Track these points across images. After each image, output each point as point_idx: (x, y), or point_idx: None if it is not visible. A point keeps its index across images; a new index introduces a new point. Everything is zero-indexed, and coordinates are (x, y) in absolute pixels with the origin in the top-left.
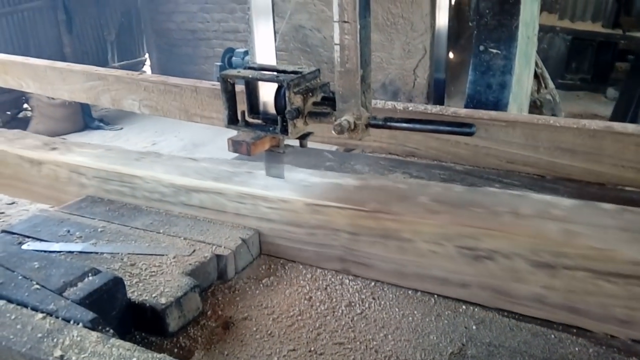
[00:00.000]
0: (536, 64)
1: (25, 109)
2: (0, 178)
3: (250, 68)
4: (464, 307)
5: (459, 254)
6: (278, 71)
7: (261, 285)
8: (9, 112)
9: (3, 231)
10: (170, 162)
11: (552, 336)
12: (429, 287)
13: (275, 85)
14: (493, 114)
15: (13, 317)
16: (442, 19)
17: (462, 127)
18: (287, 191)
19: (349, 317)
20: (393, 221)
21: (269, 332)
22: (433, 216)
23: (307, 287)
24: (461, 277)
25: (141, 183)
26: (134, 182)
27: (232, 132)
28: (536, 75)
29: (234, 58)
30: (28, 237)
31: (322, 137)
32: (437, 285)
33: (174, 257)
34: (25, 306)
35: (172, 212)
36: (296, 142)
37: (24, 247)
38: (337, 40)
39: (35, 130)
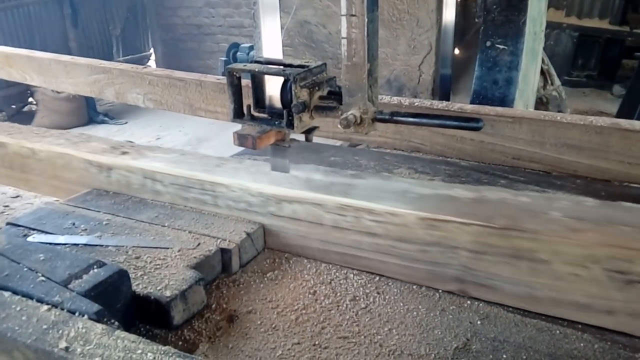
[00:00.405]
0: (542, 61)
1: (30, 103)
2: (63, 183)
3: (256, 62)
4: (468, 302)
5: (608, 277)
6: (284, 65)
7: (265, 279)
8: (14, 106)
9: (8, 223)
10: (255, 168)
11: (557, 332)
12: (565, 313)
13: (281, 79)
14: (499, 109)
15: (18, 308)
16: (449, 15)
17: (469, 122)
18: (396, 203)
19: (353, 312)
20: (527, 240)
21: (274, 325)
22: (577, 235)
23: (312, 281)
24: (608, 303)
25: (225, 191)
26: (218, 190)
27: (237, 127)
28: (542, 72)
29: (239, 53)
30: (33, 229)
31: (326, 132)
32: (576, 311)
33: (179, 251)
34: (31, 298)
35: (255, 222)
36: (302, 137)
37: (30, 239)
38: (344, 33)
39: (40, 124)
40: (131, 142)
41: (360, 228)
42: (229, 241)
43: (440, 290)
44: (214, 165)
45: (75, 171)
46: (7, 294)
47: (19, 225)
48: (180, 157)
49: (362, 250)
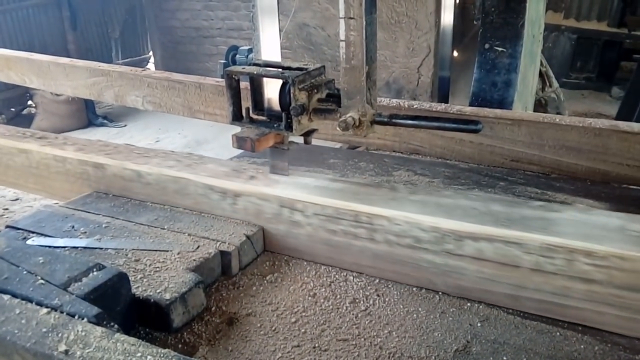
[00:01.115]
0: (541, 63)
1: (30, 106)
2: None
3: (255, 64)
4: (468, 304)
5: None
6: (283, 68)
7: (265, 281)
8: (13, 109)
9: (8, 226)
10: (418, 197)
11: (558, 334)
12: None
13: (279, 82)
14: (498, 112)
15: (18, 311)
16: (447, 18)
17: (468, 125)
18: (621, 244)
19: (353, 314)
20: None
21: (273, 328)
22: None
23: (312, 284)
24: None
25: (387, 225)
26: (376, 222)
27: (236, 129)
28: (541, 74)
29: (237, 56)
30: (33, 232)
31: (325, 135)
32: None
33: (178, 253)
34: (30, 301)
35: (422, 260)
36: (300, 139)
37: (29, 242)
38: (342, 36)
39: (39, 127)
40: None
41: (572, 273)
42: (228, 244)
43: (439, 293)
44: (369, 193)
45: (191, 197)
46: (6, 297)
47: (19, 228)
48: (321, 182)
49: (571, 298)
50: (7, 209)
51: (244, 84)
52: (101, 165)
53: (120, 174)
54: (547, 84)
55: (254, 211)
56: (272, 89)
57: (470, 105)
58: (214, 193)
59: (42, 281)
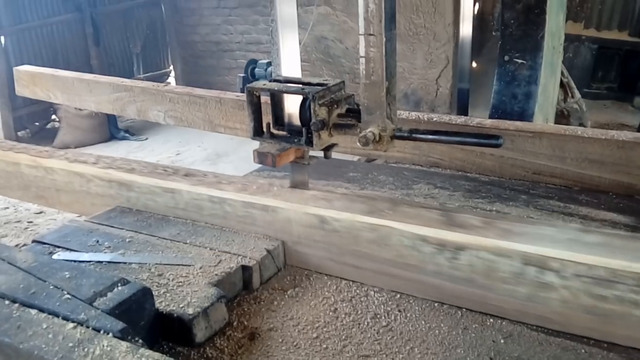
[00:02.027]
0: (562, 74)
1: (54, 120)
2: (370, 262)
3: (275, 81)
4: (491, 320)
5: None
6: (303, 83)
7: (286, 296)
8: (37, 123)
9: (34, 241)
10: None
11: (583, 351)
12: None
13: (300, 97)
14: (519, 124)
15: (45, 326)
16: (466, 29)
17: (489, 139)
18: None
19: (374, 330)
20: None
21: (295, 343)
22: None
23: (332, 299)
24: None
25: None
26: None
27: (255, 143)
28: (562, 85)
29: (256, 69)
30: (58, 247)
31: (344, 148)
32: None
33: (201, 268)
34: (57, 316)
35: None
36: (320, 153)
37: (55, 256)
38: (362, 52)
39: (62, 141)
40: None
41: None
42: (249, 258)
43: (463, 309)
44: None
45: (393, 249)
46: (33, 311)
47: (45, 243)
48: (577, 232)
49: None
50: (31, 221)
51: (264, 99)
52: (273, 209)
53: (298, 219)
54: (569, 94)
55: (483, 269)
56: (292, 105)
57: (490, 117)
58: (427, 245)
59: (68, 296)
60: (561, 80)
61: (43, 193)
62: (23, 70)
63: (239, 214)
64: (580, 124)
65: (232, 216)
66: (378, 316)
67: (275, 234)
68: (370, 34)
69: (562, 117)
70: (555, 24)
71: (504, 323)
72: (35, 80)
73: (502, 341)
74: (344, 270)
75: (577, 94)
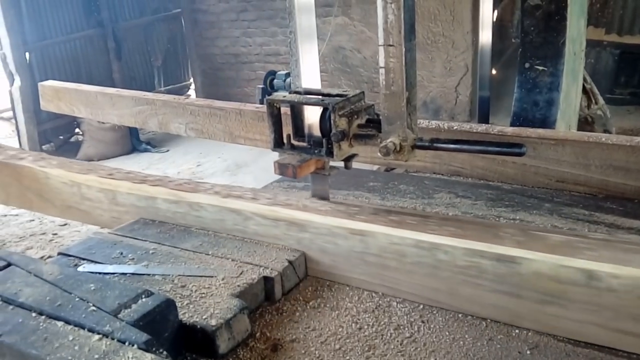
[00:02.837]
0: (585, 80)
1: (77, 134)
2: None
3: (295, 92)
4: (516, 331)
5: None
6: (323, 95)
7: (308, 307)
8: (61, 137)
9: (60, 253)
10: None
11: None
12: None
13: (320, 109)
14: (541, 132)
15: (71, 338)
16: (486, 37)
17: (511, 148)
18: None
19: (398, 341)
20: None
21: (318, 355)
22: None
23: (355, 310)
24: None
25: None
26: None
27: (275, 154)
28: (585, 91)
29: (275, 80)
30: (83, 259)
31: (364, 157)
32: None
33: (223, 279)
34: (83, 327)
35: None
36: (340, 164)
37: (80, 269)
38: (382, 63)
39: (86, 154)
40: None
41: None
42: (271, 269)
43: (487, 320)
44: None
45: None
46: (60, 323)
47: (70, 255)
48: None
49: None
50: (55, 234)
51: (284, 110)
52: (513, 259)
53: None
54: (593, 101)
55: None
56: (312, 116)
57: (512, 125)
58: None
59: (93, 308)
60: (584, 87)
61: None
62: (47, 85)
63: (458, 264)
64: (605, 131)
65: (447, 266)
66: (401, 327)
67: (513, 291)
68: (390, 45)
69: (586, 123)
70: (576, 30)
71: (529, 334)
72: (59, 95)
73: (528, 352)
74: (620, 340)
75: (601, 100)
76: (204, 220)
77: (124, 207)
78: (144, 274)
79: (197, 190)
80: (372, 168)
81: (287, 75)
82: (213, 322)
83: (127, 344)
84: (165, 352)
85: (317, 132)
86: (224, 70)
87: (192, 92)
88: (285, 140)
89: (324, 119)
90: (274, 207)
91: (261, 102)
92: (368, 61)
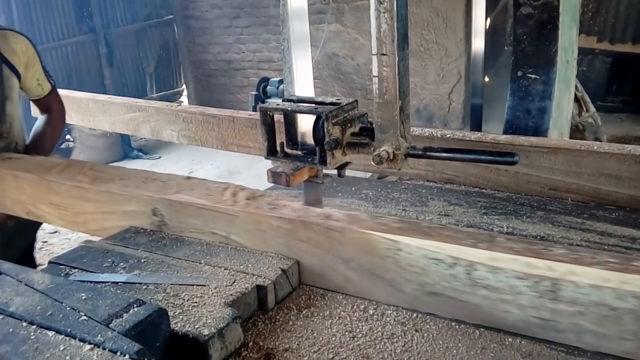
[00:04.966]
0: (576, 88)
1: (68, 140)
2: None
3: (288, 100)
4: (510, 339)
5: None
6: (316, 103)
7: (301, 315)
8: None
9: (51, 262)
10: None
11: None
12: None
13: (313, 117)
14: (534, 140)
15: (62, 348)
16: (478, 44)
17: (504, 157)
18: None
19: (391, 350)
20: None
21: None
22: None
23: (348, 318)
24: None
25: None
26: None
27: (267, 160)
28: (577, 99)
29: (268, 87)
30: (75, 267)
31: (358, 165)
32: None
33: (215, 288)
34: (74, 337)
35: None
36: (334, 172)
37: (71, 277)
38: (375, 72)
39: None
40: None
41: None
42: (264, 278)
43: (480, 328)
44: None
45: None
46: (50, 333)
47: (61, 264)
48: None
49: None
50: (45, 241)
51: (277, 117)
52: None
53: None
54: (584, 109)
55: None
56: (306, 124)
57: (505, 133)
58: None
59: (85, 317)
60: (575, 95)
61: None
62: None
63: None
64: (596, 139)
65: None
66: (395, 336)
67: None
68: (383, 54)
69: (577, 131)
70: (568, 38)
71: (523, 342)
72: None
73: None
74: None
75: (592, 108)
76: None
77: None
78: (135, 283)
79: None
80: (366, 176)
81: (280, 82)
82: (205, 331)
83: (118, 354)
84: None
85: (310, 140)
86: (216, 77)
87: (184, 98)
88: (278, 148)
89: (317, 127)
90: (530, 259)
91: (254, 109)
92: (361, 68)
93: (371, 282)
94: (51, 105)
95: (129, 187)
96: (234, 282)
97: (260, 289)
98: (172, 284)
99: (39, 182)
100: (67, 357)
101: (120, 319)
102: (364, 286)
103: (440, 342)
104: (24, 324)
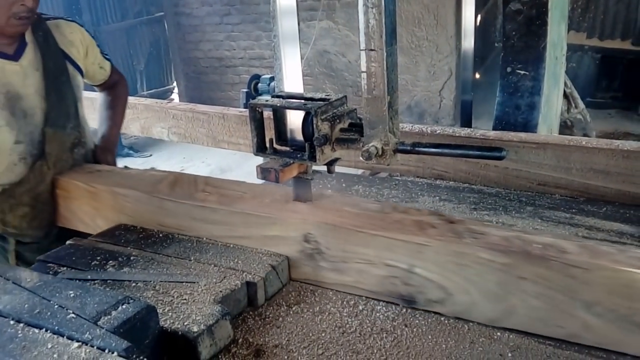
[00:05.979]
0: (565, 84)
1: None
2: None
3: (278, 96)
4: (498, 333)
5: None
6: (305, 99)
7: (291, 311)
8: None
9: (39, 260)
10: None
11: None
12: None
13: (302, 113)
14: (523, 135)
15: (50, 346)
16: (468, 41)
17: (492, 152)
18: None
19: (381, 345)
20: None
21: None
22: None
23: (338, 314)
24: None
25: None
26: None
27: (258, 159)
28: (566, 95)
29: (259, 84)
30: (63, 265)
31: (348, 162)
32: None
33: (205, 285)
34: (62, 335)
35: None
36: (323, 168)
37: (60, 275)
38: (363, 68)
39: None
40: None
41: None
42: (254, 274)
43: (469, 322)
44: None
45: None
46: (38, 331)
47: (49, 262)
48: None
49: None
50: None
51: (267, 114)
52: None
53: None
54: (573, 105)
55: None
56: (295, 120)
57: (494, 128)
58: None
59: (73, 315)
60: (564, 91)
61: None
62: None
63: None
64: (585, 134)
65: None
66: (384, 331)
67: None
68: (371, 49)
69: (566, 127)
70: (557, 35)
71: (511, 336)
72: None
73: (509, 354)
74: None
75: (581, 104)
76: None
77: None
78: (124, 280)
79: None
80: (357, 172)
81: (272, 79)
82: (195, 328)
83: (107, 351)
84: (145, 359)
85: (299, 137)
86: (207, 74)
87: (175, 96)
88: (267, 145)
89: (306, 123)
90: None
91: (245, 106)
92: (353, 65)
93: (625, 331)
94: (115, 80)
95: (270, 208)
96: (223, 278)
97: (250, 285)
98: (161, 281)
99: (147, 200)
100: (55, 355)
101: (109, 317)
102: (613, 337)
103: (430, 337)
104: (12, 321)
